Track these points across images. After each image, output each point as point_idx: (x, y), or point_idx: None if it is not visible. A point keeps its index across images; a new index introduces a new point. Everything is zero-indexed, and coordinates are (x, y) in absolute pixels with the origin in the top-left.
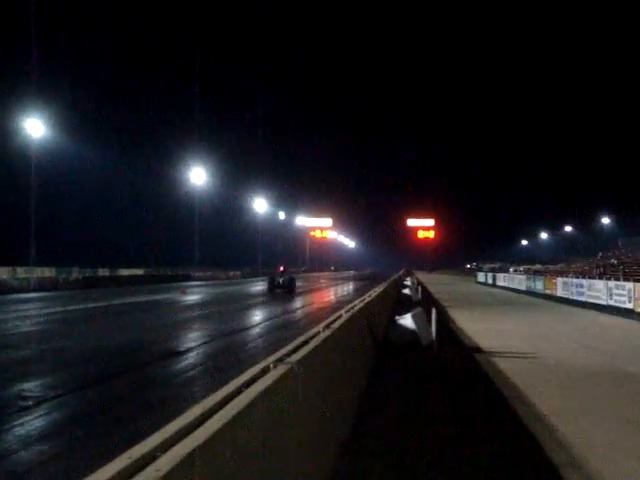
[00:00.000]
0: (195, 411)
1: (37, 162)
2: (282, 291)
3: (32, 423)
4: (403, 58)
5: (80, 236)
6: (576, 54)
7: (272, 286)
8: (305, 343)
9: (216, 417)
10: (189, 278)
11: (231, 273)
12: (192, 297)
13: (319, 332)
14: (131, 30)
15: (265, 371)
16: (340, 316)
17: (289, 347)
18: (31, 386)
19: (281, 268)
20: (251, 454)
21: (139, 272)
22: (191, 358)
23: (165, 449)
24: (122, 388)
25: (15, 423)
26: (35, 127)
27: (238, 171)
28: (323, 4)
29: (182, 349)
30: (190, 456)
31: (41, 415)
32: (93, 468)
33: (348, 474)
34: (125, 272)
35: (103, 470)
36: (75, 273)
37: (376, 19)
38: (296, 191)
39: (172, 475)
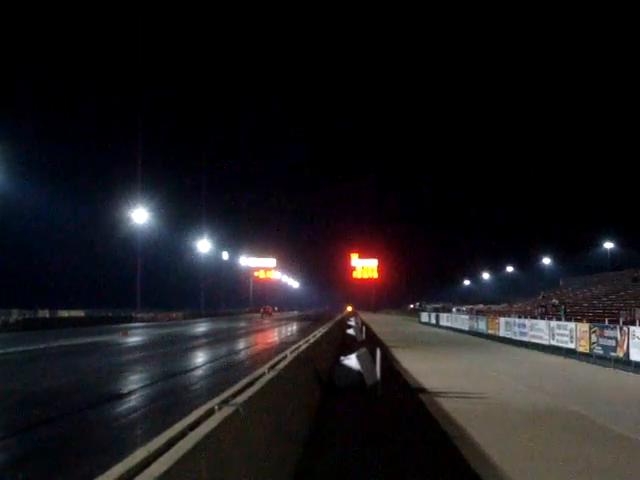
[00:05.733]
0: (139, 454)
1: None
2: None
3: None
4: (348, 99)
5: (20, 277)
6: (525, 101)
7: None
8: (250, 384)
9: (161, 460)
10: (131, 320)
11: (173, 314)
12: (134, 339)
13: (264, 373)
14: (76, 71)
15: (210, 413)
16: (285, 357)
17: (234, 389)
18: None
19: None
20: None
21: (80, 314)
22: (133, 401)
23: None
24: (62, 432)
25: None
26: None
27: (181, 212)
28: (253, 46)
29: (124, 392)
30: None
31: None
32: None
33: None
34: (65, 313)
35: None
36: (15, 315)
37: (323, 59)
38: (240, 232)
39: None
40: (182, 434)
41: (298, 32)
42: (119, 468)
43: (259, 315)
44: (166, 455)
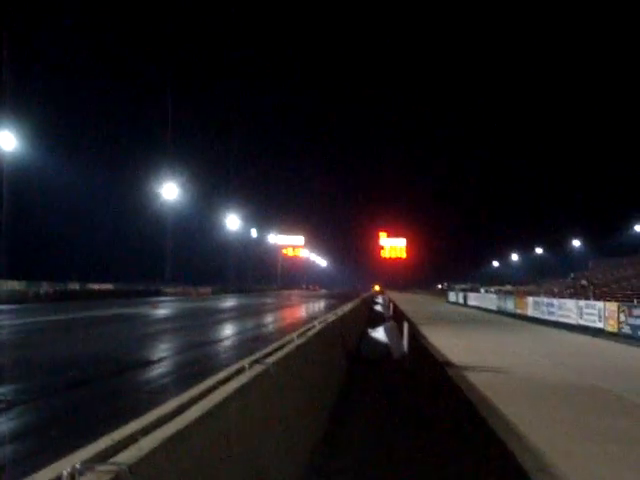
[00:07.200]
0: (173, 403)
1: (8, 175)
2: None
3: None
4: (380, 76)
5: (50, 250)
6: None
7: None
8: (280, 348)
9: (194, 408)
10: (160, 293)
11: (201, 289)
12: (163, 311)
13: (293, 339)
14: (106, 46)
15: (241, 371)
16: (313, 326)
17: (264, 351)
18: (4, 390)
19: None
20: (225, 444)
21: (109, 287)
22: (164, 367)
23: (145, 433)
24: (95, 394)
25: None
26: (7, 140)
27: (211, 188)
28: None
29: (154, 359)
30: (170, 440)
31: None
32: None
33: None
34: (95, 286)
35: (87, 448)
36: (45, 287)
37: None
38: (269, 209)
39: (153, 455)
40: (214, 387)
41: None
42: (155, 413)
43: (292, 292)
44: (198, 405)
